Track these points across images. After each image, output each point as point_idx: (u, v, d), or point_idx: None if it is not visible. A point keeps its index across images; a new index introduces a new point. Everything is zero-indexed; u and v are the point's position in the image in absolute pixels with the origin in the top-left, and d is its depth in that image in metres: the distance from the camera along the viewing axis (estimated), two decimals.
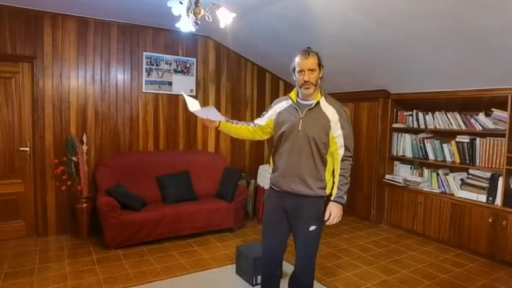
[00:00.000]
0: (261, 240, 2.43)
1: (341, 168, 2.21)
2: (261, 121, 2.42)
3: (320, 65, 2.19)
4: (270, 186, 2.41)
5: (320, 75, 2.21)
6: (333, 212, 2.18)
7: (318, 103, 2.21)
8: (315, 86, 2.18)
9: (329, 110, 2.20)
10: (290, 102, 2.28)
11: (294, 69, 2.22)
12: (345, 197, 2.23)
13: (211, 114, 2.21)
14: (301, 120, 2.19)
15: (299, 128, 2.19)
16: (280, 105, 2.34)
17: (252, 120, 2.67)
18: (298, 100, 2.27)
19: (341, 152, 2.21)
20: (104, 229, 3.73)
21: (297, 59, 2.19)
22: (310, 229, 2.22)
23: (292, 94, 2.30)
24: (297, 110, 2.23)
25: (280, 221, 2.32)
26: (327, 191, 2.27)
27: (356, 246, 4.09)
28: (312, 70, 2.15)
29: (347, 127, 2.21)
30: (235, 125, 2.41)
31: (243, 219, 4.54)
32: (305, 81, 2.15)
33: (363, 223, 4.97)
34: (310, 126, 2.18)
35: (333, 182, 2.27)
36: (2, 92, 3.88)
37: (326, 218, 2.19)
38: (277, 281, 2.49)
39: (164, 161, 4.53)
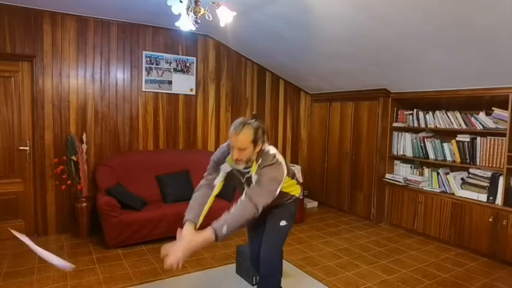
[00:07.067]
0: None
1: (240, 203, 1.98)
2: (219, 179, 2.34)
3: (254, 141, 2.01)
4: None
5: (257, 150, 2.05)
6: (180, 251, 1.82)
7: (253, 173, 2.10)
8: (247, 162, 2.06)
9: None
10: (230, 167, 2.23)
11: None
12: (226, 231, 1.83)
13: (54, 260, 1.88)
14: (244, 184, 2.21)
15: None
16: (225, 167, 2.28)
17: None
18: (235, 166, 2.15)
19: (248, 191, 2.04)
20: (104, 228, 3.72)
21: (230, 131, 2.04)
22: (280, 224, 2.34)
23: (229, 159, 2.20)
24: (238, 172, 2.21)
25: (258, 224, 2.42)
26: (296, 194, 2.42)
27: (356, 246, 4.08)
28: (242, 149, 1.99)
29: (263, 181, 2.00)
30: (206, 206, 2.34)
31: None
32: (235, 159, 2.05)
33: (364, 222, 4.96)
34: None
35: (298, 182, 2.44)
36: (2, 91, 3.86)
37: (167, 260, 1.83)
38: None
39: (164, 160, 4.52)
